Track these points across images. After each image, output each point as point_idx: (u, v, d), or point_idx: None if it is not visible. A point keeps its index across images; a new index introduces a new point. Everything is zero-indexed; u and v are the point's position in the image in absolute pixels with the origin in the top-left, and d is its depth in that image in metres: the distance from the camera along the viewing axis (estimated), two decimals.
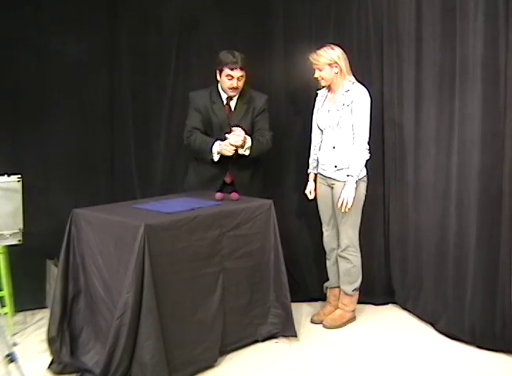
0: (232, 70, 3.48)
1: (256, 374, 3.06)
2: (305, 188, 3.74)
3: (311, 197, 3.73)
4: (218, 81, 3.61)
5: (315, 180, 3.72)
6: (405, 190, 3.79)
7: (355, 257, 3.62)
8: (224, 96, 3.62)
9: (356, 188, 3.45)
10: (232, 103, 3.64)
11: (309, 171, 3.73)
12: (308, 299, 4.03)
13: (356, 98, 3.43)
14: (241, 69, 3.50)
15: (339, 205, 3.46)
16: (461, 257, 3.36)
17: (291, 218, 4.07)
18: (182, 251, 2.92)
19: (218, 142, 3.48)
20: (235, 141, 3.43)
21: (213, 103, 3.61)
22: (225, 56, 3.51)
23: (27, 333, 3.55)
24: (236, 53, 3.50)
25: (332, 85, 3.54)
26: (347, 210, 3.44)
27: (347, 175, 3.44)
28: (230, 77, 3.50)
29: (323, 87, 3.59)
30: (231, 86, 3.53)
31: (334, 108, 3.51)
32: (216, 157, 3.49)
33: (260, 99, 3.67)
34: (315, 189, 3.71)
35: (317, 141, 3.68)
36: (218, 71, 3.56)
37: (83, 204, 3.26)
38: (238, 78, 3.51)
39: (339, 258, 3.67)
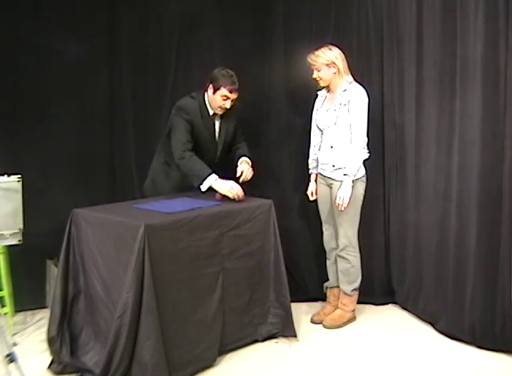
0: (231, 92, 3.45)
1: (255, 373, 3.07)
2: (307, 189, 3.75)
3: (312, 198, 3.73)
4: (204, 94, 3.54)
5: (316, 181, 3.73)
6: (406, 190, 3.79)
7: (353, 257, 3.62)
8: (210, 111, 3.57)
9: (353, 187, 3.46)
10: (217, 119, 3.61)
11: (310, 171, 3.74)
12: (308, 299, 4.03)
13: (353, 97, 3.45)
14: (237, 91, 3.49)
15: (336, 204, 3.47)
16: (461, 257, 3.36)
17: (291, 218, 4.06)
18: (182, 251, 2.92)
19: (214, 177, 3.36)
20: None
21: (202, 117, 3.53)
22: (225, 76, 3.45)
23: (27, 333, 3.55)
24: (234, 75, 3.47)
25: (330, 86, 3.56)
26: (343, 209, 3.45)
27: (344, 175, 3.45)
28: (225, 98, 3.46)
29: (323, 87, 3.61)
30: (223, 107, 3.49)
31: (332, 108, 3.53)
32: (204, 188, 3.36)
33: (234, 114, 3.64)
34: (316, 190, 3.72)
35: (316, 141, 3.69)
36: (212, 87, 3.48)
37: (83, 204, 3.26)
38: (232, 100, 3.49)
39: (338, 258, 3.67)
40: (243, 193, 3.37)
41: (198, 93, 3.57)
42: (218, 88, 3.45)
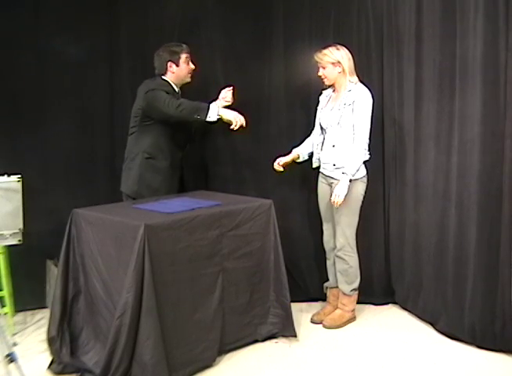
0: (188, 53, 3.65)
1: (255, 373, 3.07)
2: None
3: (276, 166, 3.70)
4: (163, 77, 3.66)
5: (294, 158, 3.72)
6: (405, 190, 3.79)
7: (350, 257, 3.62)
8: (176, 89, 3.69)
9: (354, 188, 3.46)
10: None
11: (294, 149, 3.74)
12: (308, 299, 4.03)
13: (358, 98, 3.45)
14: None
15: (331, 202, 3.47)
16: (461, 257, 3.36)
17: (291, 218, 4.06)
18: (182, 251, 2.92)
19: (213, 104, 3.54)
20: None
21: (174, 94, 3.64)
22: (175, 45, 3.65)
23: (27, 333, 3.55)
24: None
25: (335, 85, 3.57)
26: (338, 206, 3.45)
27: (342, 173, 3.45)
28: (189, 60, 3.66)
29: (328, 86, 3.61)
30: (191, 70, 3.67)
31: (336, 107, 3.53)
32: (214, 117, 3.41)
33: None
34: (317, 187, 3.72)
35: (316, 140, 3.68)
36: (172, 63, 3.62)
37: (83, 204, 3.26)
38: (192, 60, 3.67)
39: (336, 259, 3.67)
40: (244, 122, 3.45)
41: (157, 78, 3.68)
42: (179, 57, 3.63)
